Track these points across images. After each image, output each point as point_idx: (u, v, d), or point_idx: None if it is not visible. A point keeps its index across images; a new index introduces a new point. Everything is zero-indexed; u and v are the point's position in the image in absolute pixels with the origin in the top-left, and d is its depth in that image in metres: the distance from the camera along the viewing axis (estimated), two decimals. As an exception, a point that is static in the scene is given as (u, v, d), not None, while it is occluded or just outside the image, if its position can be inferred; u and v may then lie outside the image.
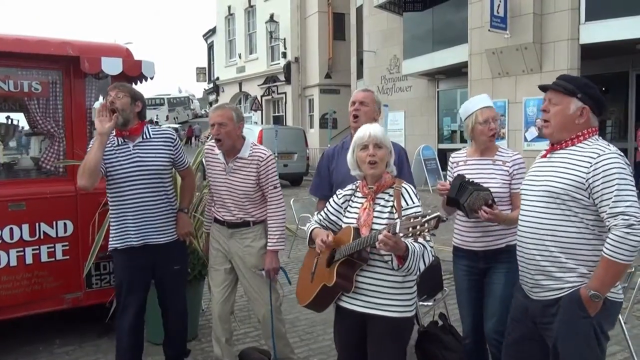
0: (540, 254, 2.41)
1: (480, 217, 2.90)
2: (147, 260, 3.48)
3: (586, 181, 2.29)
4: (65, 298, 4.17)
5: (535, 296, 2.48)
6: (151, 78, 4.49)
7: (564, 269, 2.36)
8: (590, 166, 2.29)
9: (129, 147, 3.42)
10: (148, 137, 3.49)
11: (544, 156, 2.53)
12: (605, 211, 2.23)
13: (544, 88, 2.53)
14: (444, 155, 15.80)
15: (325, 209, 2.86)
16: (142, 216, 3.43)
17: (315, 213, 2.97)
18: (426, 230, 2.26)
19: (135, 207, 3.42)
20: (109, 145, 3.39)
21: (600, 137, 2.45)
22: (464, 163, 3.20)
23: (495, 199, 2.94)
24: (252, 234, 3.52)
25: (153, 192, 3.46)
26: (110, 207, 3.50)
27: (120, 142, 3.42)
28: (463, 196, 2.94)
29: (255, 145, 3.55)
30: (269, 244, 3.47)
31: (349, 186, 2.83)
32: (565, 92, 2.42)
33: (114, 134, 3.42)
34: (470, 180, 3.00)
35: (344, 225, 2.71)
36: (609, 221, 2.23)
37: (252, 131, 16.59)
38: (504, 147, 3.22)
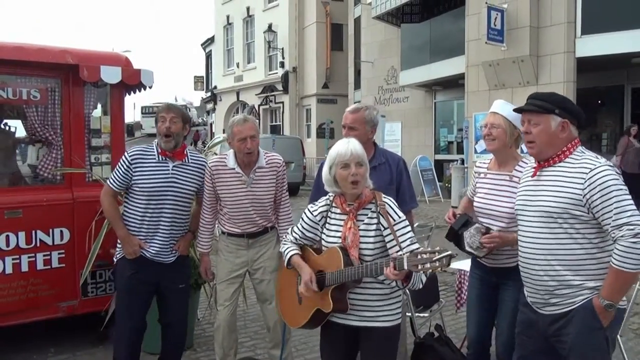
0: (547, 274, 2.42)
1: (488, 249, 2.86)
2: (153, 276, 3.49)
3: (583, 197, 2.30)
4: (60, 306, 4.15)
5: (544, 311, 2.48)
6: (150, 87, 4.50)
7: (572, 286, 2.38)
8: (585, 181, 2.31)
9: (168, 167, 3.45)
10: (187, 161, 3.53)
11: (533, 175, 2.54)
12: (609, 224, 2.25)
13: (519, 110, 2.57)
14: (440, 166, 15.87)
15: (300, 226, 2.78)
16: (168, 234, 3.48)
17: (290, 231, 2.88)
18: (438, 268, 2.23)
19: (162, 224, 3.45)
20: (149, 158, 3.43)
21: (585, 148, 2.48)
22: (484, 175, 3.09)
23: (507, 219, 2.87)
24: (270, 240, 3.60)
25: (180, 212, 3.52)
26: (132, 218, 3.45)
27: (160, 160, 3.44)
28: (460, 244, 2.93)
29: (266, 152, 3.60)
30: None
31: (323, 200, 2.74)
32: (543, 110, 2.45)
33: (159, 151, 3.45)
34: (470, 220, 2.93)
35: (324, 244, 2.65)
36: (614, 233, 2.24)
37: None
38: (527, 160, 2.89)
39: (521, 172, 2.88)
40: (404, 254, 2.33)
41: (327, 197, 2.73)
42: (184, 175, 3.50)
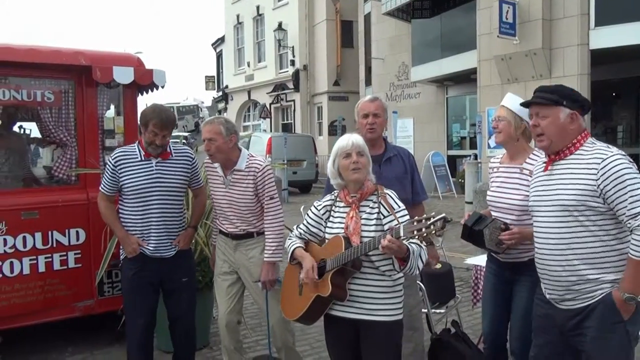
0: (565, 269, 2.38)
1: (508, 245, 2.85)
2: (155, 272, 3.52)
3: (597, 187, 2.27)
4: (77, 306, 4.19)
5: (562, 305, 2.45)
6: (162, 87, 4.52)
7: (591, 280, 2.34)
8: (597, 172, 2.27)
9: (151, 165, 3.48)
10: (171, 155, 3.55)
11: (545, 169, 2.50)
12: (624, 213, 2.22)
13: (526, 104, 2.54)
14: (453, 162, 15.78)
15: (305, 222, 2.86)
16: (162, 229, 3.49)
17: (295, 227, 2.95)
18: (433, 232, 2.28)
19: (154, 221, 3.47)
20: (131, 158, 3.47)
21: (595, 139, 2.45)
22: (497, 170, 3.10)
23: (519, 212, 2.86)
24: (256, 246, 3.52)
25: (169, 208, 3.53)
26: (127, 218, 3.50)
27: (143, 158, 3.47)
28: (479, 241, 2.91)
29: (252, 156, 3.53)
30: (265, 255, 3.44)
31: (328, 196, 2.85)
32: (551, 103, 2.42)
33: (142, 151, 3.47)
34: (483, 217, 2.94)
35: (327, 236, 2.72)
36: (629, 223, 2.21)
37: (261, 139, 16.65)
38: (538, 152, 2.90)
39: (532, 164, 2.87)
40: (399, 224, 2.40)
41: (332, 193, 2.83)
42: (169, 170, 3.52)
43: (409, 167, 3.46)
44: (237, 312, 3.65)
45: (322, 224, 2.78)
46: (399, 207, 2.63)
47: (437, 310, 4.11)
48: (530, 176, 2.83)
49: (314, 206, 2.84)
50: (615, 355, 2.33)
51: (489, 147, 11.75)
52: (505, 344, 3.16)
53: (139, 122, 3.47)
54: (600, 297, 2.33)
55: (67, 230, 4.11)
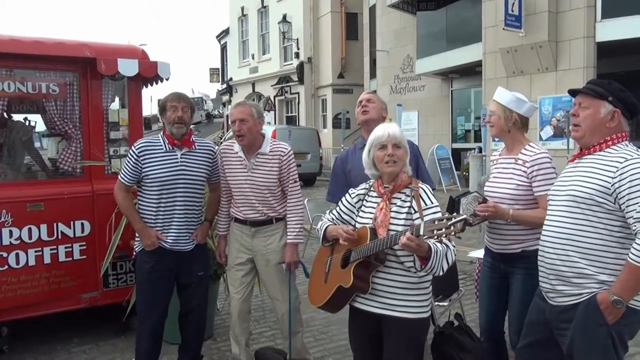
0: (560, 258, 2.37)
1: (482, 217, 2.90)
2: (172, 265, 3.53)
3: (612, 186, 2.24)
4: (82, 297, 4.22)
5: (553, 301, 2.45)
6: (167, 79, 4.52)
7: (583, 275, 2.32)
8: (617, 170, 2.24)
9: (176, 155, 3.48)
10: (194, 148, 3.56)
11: (572, 161, 2.49)
12: (632, 216, 2.19)
13: (573, 92, 2.49)
14: (458, 155, 15.73)
15: (337, 208, 2.84)
16: (183, 222, 3.50)
17: (327, 212, 2.94)
18: (452, 233, 2.24)
19: (177, 213, 3.48)
20: (156, 148, 3.46)
21: (631, 143, 2.41)
22: (497, 161, 3.15)
23: (511, 201, 2.91)
24: (275, 232, 3.57)
25: (192, 200, 3.54)
26: (147, 210, 3.49)
27: (168, 149, 3.47)
28: (457, 211, 2.93)
29: (275, 140, 3.61)
30: (289, 237, 3.51)
31: (363, 185, 2.80)
32: (596, 95, 2.37)
33: (167, 141, 3.47)
34: (470, 193, 3.02)
35: (358, 225, 2.68)
36: (635, 226, 2.18)
37: (265, 131, 16.62)
38: (534, 144, 3.01)
39: (527, 155, 2.93)
40: (420, 221, 2.36)
41: (368, 182, 2.79)
42: (193, 162, 3.53)
43: (412, 156, 3.48)
44: (249, 301, 3.72)
45: (354, 212, 2.75)
46: (432, 203, 2.56)
47: (441, 303, 4.12)
48: (523, 166, 2.90)
49: (349, 193, 2.81)
50: (595, 358, 2.30)
51: (493, 140, 11.71)
52: (503, 336, 3.19)
53: (157, 114, 3.47)
54: (586, 297, 2.30)
55: (72, 222, 4.13)
